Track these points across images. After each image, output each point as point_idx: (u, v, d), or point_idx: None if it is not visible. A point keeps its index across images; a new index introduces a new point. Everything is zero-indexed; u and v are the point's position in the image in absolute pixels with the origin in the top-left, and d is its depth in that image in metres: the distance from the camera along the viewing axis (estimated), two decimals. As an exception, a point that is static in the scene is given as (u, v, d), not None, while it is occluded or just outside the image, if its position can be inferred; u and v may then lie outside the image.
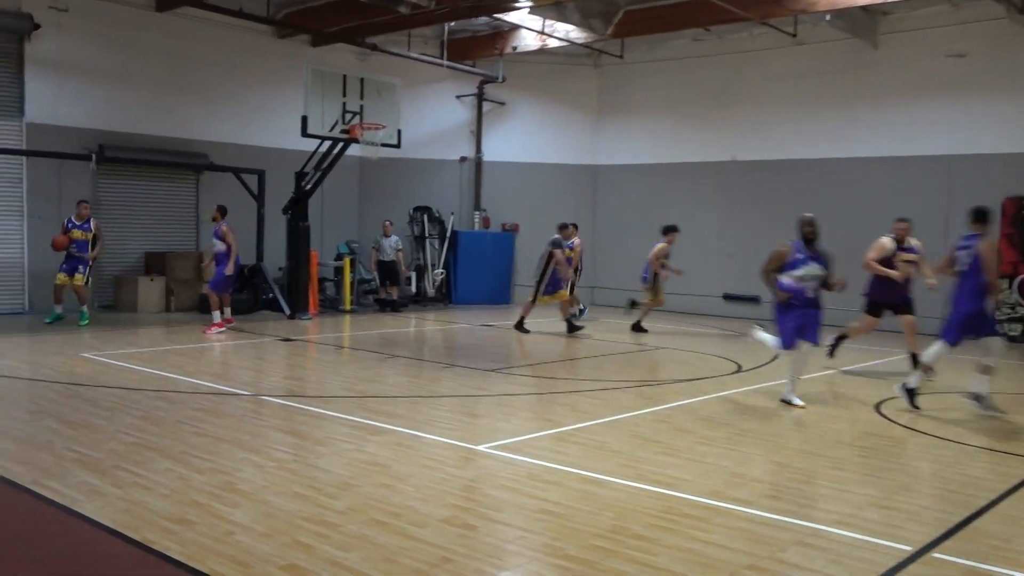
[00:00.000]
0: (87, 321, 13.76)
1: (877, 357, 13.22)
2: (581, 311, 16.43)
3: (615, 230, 20.99)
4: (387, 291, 18.13)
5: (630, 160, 20.82)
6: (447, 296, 20.32)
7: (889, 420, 8.40)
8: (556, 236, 14.84)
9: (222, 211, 13.73)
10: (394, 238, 18.10)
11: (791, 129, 18.29)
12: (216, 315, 13.47)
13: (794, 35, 17.57)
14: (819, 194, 17.83)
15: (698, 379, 10.62)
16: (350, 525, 4.93)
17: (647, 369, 11.57)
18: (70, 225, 13.87)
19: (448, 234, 20.41)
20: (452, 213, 20.62)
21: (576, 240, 15.77)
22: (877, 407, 9.04)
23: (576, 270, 15.71)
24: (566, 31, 18.41)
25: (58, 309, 13.88)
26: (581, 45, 19.22)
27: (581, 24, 17.91)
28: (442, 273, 20.14)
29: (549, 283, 14.70)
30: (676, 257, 18.23)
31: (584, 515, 5.25)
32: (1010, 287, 15.74)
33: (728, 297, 19.08)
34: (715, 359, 12.40)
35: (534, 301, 14.88)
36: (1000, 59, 15.78)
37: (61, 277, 13.86)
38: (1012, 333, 15.70)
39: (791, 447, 7.19)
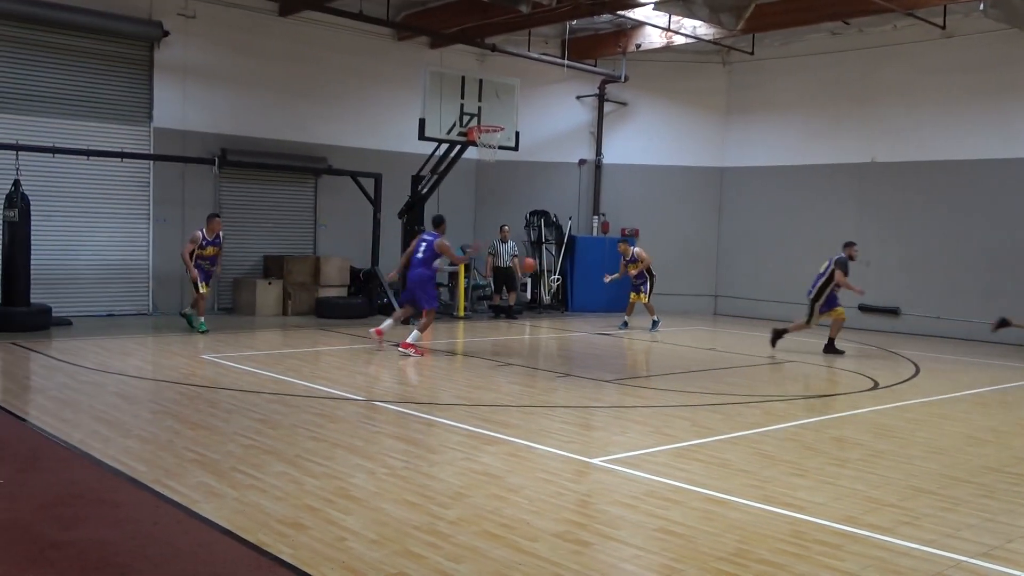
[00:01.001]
0: (205, 328, 13.88)
1: (1033, 377, 12.52)
2: (655, 323, 16.66)
3: (742, 236, 20.58)
4: (503, 297, 18.31)
5: (760, 162, 20.37)
6: (563, 303, 20.35)
7: (1046, 446, 7.95)
8: (841, 255, 13.98)
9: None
10: (511, 243, 18.27)
11: (938, 128, 17.53)
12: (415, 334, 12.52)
13: (943, 27, 16.83)
14: (968, 198, 17.06)
15: (830, 395, 10.30)
16: (461, 536, 5.00)
17: (775, 384, 11.28)
18: (205, 243, 13.69)
19: (565, 239, 20.44)
20: (570, 218, 20.64)
21: (638, 249, 16.78)
22: (1032, 431, 8.56)
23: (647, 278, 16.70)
24: (693, 27, 18.18)
25: (203, 319, 13.88)
26: (709, 42, 18.92)
27: (709, 19, 17.60)
28: (558, 279, 20.19)
29: (826, 301, 13.88)
30: (805, 264, 17.67)
31: (706, 536, 5.17)
32: None
33: (865, 309, 18.41)
34: (849, 375, 11.99)
35: (808, 321, 14.02)
36: None
37: (205, 287, 13.85)
38: None
39: (932, 471, 6.88)
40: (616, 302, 20.23)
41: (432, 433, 7.64)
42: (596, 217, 21.14)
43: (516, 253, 18.22)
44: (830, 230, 18.94)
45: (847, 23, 18.23)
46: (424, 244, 12.62)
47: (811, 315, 13.87)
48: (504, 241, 18.20)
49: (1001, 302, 16.59)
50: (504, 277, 18.21)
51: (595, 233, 21.00)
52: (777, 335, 14.07)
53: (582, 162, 21.24)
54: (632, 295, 17.03)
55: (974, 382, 11.64)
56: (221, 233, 13.97)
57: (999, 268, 16.64)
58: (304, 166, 17.80)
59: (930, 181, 17.59)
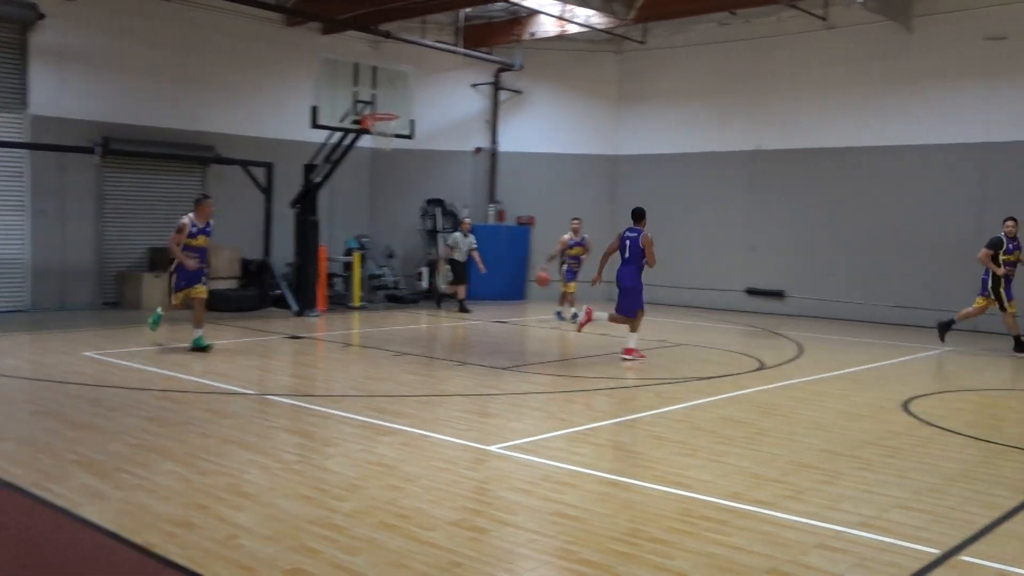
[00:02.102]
0: (206, 344, 11.48)
1: (909, 352, 13.15)
2: (569, 313, 16.24)
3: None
4: (442, 290, 18.28)
5: (652, 150, 20.78)
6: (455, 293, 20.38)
7: (918, 419, 8.37)
8: (999, 234, 13.25)
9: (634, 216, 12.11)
10: (472, 237, 17.98)
11: (821, 117, 18.20)
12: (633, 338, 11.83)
13: (824, 19, 17.47)
14: (849, 184, 17.78)
15: (718, 377, 10.61)
16: (357, 528, 4.97)
17: (665, 367, 11.56)
18: (196, 231, 11.40)
19: (462, 228, 20.46)
20: (466, 206, 20.66)
21: (587, 235, 16.21)
22: (905, 405, 9.00)
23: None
24: (586, 16, 18.40)
25: (200, 332, 11.45)
26: (602, 31, 19.18)
27: (602, 8, 17.89)
28: (455, 268, 20.19)
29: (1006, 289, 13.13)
30: (696, 249, 18.37)
31: (600, 518, 5.27)
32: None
33: (752, 292, 19.04)
34: (737, 356, 12.38)
35: (1003, 308, 13.19)
36: (1040, 42, 15.63)
37: (203, 289, 11.59)
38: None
39: (814, 447, 7.17)
40: (514, 290, 20.38)
41: (327, 426, 7.56)
42: (492, 205, 21.21)
43: (475, 247, 17.88)
44: (720, 216, 19.53)
45: (734, 13, 18.74)
46: (629, 242, 11.69)
47: (1002, 302, 13.12)
48: (466, 235, 17.92)
49: (880, 284, 17.40)
50: (461, 271, 17.87)
51: (491, 221, 21.06)
52: (944, 327, 13.86)
53: (478, 150, 21.27)
54: (565, 284, 16.29)
55: (852, 361, 12.17)
56: (212, 220, 11.80)
57: (878, 251, 17.41)
58: (191, 155, 17.31)
59: (813, 168, 18.26)
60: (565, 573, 4.48)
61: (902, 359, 12.64)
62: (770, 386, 10.09)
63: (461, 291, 17.87)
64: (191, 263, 11.27)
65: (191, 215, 11.46)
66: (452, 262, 17.78)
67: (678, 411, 8.51)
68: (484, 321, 16.40)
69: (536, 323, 16.31)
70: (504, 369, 10.79)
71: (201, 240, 11.48)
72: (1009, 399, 9.97)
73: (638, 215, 11.97)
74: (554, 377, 10.45)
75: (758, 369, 11.31)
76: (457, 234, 17.74)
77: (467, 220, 18.14)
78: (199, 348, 11.29)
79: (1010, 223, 13.24)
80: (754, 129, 19.14)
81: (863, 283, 17.63)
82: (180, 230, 11.30)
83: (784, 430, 7.82)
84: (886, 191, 17.27)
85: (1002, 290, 13.03)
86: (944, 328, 13.84)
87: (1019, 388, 10.86)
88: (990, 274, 13.13)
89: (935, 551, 4.84)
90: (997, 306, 13.17)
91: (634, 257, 11.64)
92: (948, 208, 16.61)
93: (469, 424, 7.80)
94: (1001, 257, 13.04)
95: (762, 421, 8.15)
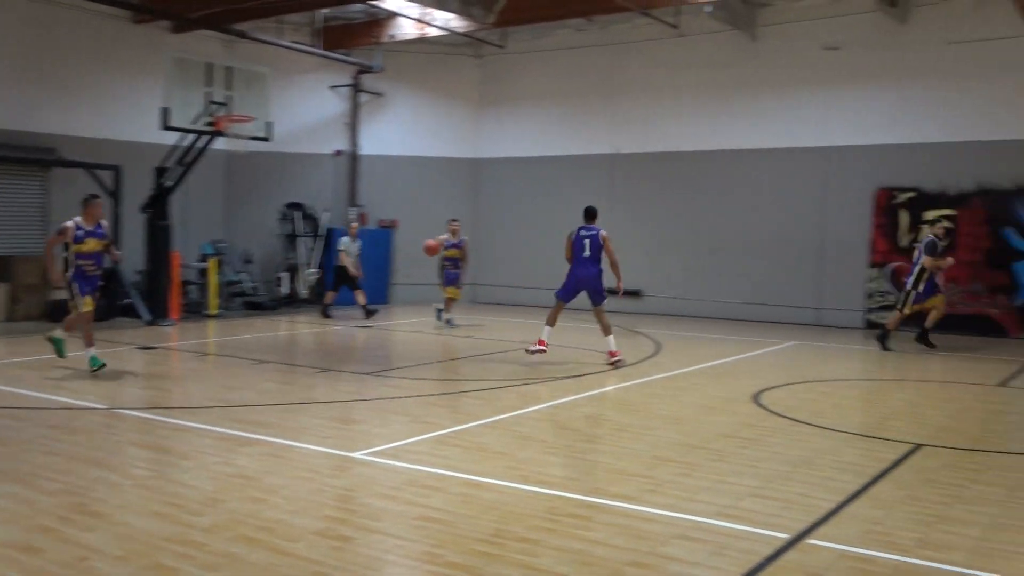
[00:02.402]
0: (100, 364, 10.27)
1: (759, 347, 13.75)
2: (445, 318, 16.11)
3: (498, 226, 21.13)
4: (328, 300, 17.66)
5: (513, 153, 21.01)
6: (321, 297, 20.03)
7: (768, 410, 8.76)
8: (928, 238, 13.59)
9: (586, 215, 12.20)
10: (359, 242, 17.56)
11: (675, 121, 18.83)
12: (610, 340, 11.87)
13: (676, 27, 18.07)
14: (703, 186, 18.46)
15: (580, 376, 10.81)
16: (216, 543, 4.81)
17: (529, 367, 11.71)
18: (81, 234, 10.15)
19: (322, 232, 20.11)
20: (327, 210, 20.33)
21: (465, 237, 16.06)
22: (756, 397, 9.41)
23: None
24: (445, 19, 18.42)
25: (93, 351, 10.29)
26: (461, 34, 19.26)
27: (461, 12, 17.95)
28: (316, 273, 19.84)
29: (925, 290, 13.51)
30: (558, 251, 18.39)
31: (466, 520, 5.28)
32: (882, 275, 16.63)
33: (611, 292, 19.47)
34: (597, 355, 12.65)
35: (902, 309, 13.73)
36: (872, 52, 16.65)
37: (89, 302, 10.27)
38: (883, 321, 16.60)
39: (671, 441, 7.40)
40: (375, 294, 20.17)
41: (183, 439, 7.29)
42: (353, 209, 20.94)
43: (360, 251, 17.54)
44: (580, 217, 19.88)
45: (590, 20, 19.16)
46: (589, 240, 11.77)
47: (905, 303, 13.65)
48: (354, 239, 17.44)
49: (732, 282, 18.13)
50: (347, 276, 17.37)
51: (353, 225, 20.81)
52: (884, 336, 13.91)
53: (338, 153, 20.97)
54: (444, 288, 16.08)
55: (707, 356, 12.65)
56: (104, 222, 10.58)
57: (730, 250, 18.15)
58: (29, 157, 16.34)
59: (668, 171, 18.87)
60: (431, 577, 4.47)
61: (753, 353, 13.20)
62: (630, 383, 10.35)
63: (329, 296, 17.55)
64: (56, 274, 10.29)
65: (77, 219, 10.19)
66: (341, 268, 17.33)
67: (542, 410, 8.62)
68: (347, 326, 16.18)
69: (404, 327, 16.20)
70: (368, 374, 10.68)
71: (91, 244, 10.21)
72: (851, 389, 10.56)
73: (593, 214, 12.07)
74: (419, 381, 10.41)
75: (618, 367, 11.58)
76: (346, 239, 17.40)
77: (355, 224, 17.78)
78: (97, 368, 10.12)
79: (942, 225, 13.83)
80: (612, 133, 19.63)
81: (716, 281, 18.34)
82: (61, 232, 10.14)
83: (643, 425, 8.04)
84: (737, 193, 18.02)
85: (915, 291, 13.37)
86: (922, 338, 13.87)
87: (860, 379, 11.52)
88: (917, 275, 13.39)
89: (785, 536, 5.07)
90: (902, 301, 13.60)
91: (595, 255, 11.79)
92: (793, 209, 17.48)
93: (332, 431, 7.67)
94: (937, 263, 13.36)
95: (622, 417, 8.36)
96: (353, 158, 21.04)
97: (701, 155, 18.50)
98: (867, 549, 4.92)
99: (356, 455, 6.77)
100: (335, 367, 11.33)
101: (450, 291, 15.97)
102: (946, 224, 14.13)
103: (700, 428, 7.93)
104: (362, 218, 20.89)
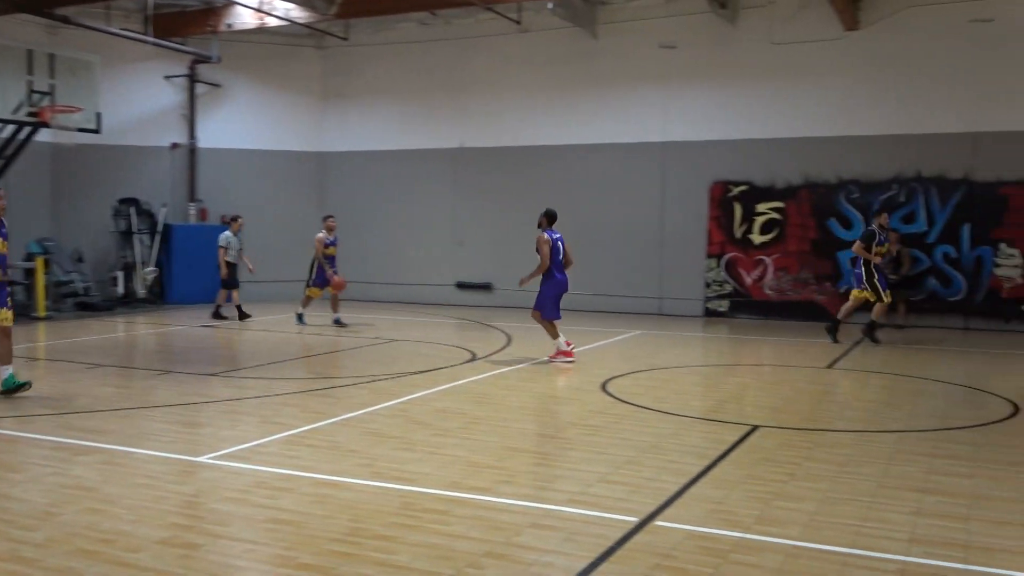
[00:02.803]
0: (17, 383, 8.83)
1: (606, 337, 14.12)
2: (299, 317, 15.74)
3: (346, 220, 20.77)
4: (229, 299, 16.65)
5: (360, 147, 20.74)
6: (160, 296, 19.24)
7: (615, 398, 9.02)
8: (869, 228, 13.63)
9: (549, 218, 11.78)
10: (239, 236, 16.78)
11: (520, 116, 19.05)
12: (560, 342, 11.47)
13: (519, 22, 18.29)
14: (548, 180, 18.73)
15: (433, 370, 10.81)
16: (51, 559, 4.55)
17: (381, 363, 11.62)
18: None
19: (160, 228, 19.28)
20: (164, 205, 19.50)
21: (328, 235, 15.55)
22: (604, 386, 9.67)
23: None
24: (286, 10, 17.97)
25: (9, 368, 8.83)
26: (303, 25, 18.83)
27: (302, 3, 17.56)
28: (154, 272, 19.01)
29: (880, 279, 13.39)
30: (407, 245, 18.58)
31: (319, 520, 5.20)
32: (718, 266, 17.40)
33: (461, 285, 19.60)
34: (449, 349, 12.69)
35: (880, 299, 13.41)
36: (705, 51, 17.36)
37: (6, 315, 9.03)
38: (720, 309, 17.40)
39: (524, 431, 7.52)
40: (217, 292, 19.55)
41: (12, 450, 6.85)
42: (193, 204, 20.18)
43: (242, 247, 16.73)
44: (428, 212, 19.89)
45: (435, 14, 19.12)
46: (561, 244, 11.62)
47: (878, 292, 13.34)
48: (235, 234, 16.65)
49: (580, 274, 18.49)
50: (234, 274, 16.53)
51: (192, 221, 20.05)
52: (834, 327, 13.84)
53: (175, 146, 20.12)
54: (314, 289, 15.57)
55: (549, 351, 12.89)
56: (4, 219, 9.18)
57: (577, 243, 18.41)
58: None
59: (514, 165, 19.08)
60: (285, 580, 4.38)
61: (599, 343, 13.55)
62: (482, 376, 10.43)
63: (236, 295, 16.64)
64: None
65: None
66: (229, 266, 16.46)
67: (394, 406, 8.57)
68: (189, 326, 15.58)
69: (251, 325, 15.73)
70: (213, 375, 10.33)
71: None
72: (692, 375, 11.00)
73: (556, 217, 11.93)
74: (267, 380, 10.14)
75: (470, 360, 11.66)
76: (227, 233, 16.63)
77: (239, 219, 16.96)
78: (14, 388, 8.69)
79: (884, 216, 13.87)
80: (457, 127, 19.67)
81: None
82: None
83: (496, 417, 8.13)
84: (580, 187, 18.40)
85: (876, 281, 13.31)
86: (833, 330, 13.84)
87: (700, 365, 12.01)
88: (863, 267, 13.38)
89: (634, 519, 5.24)
90: (874, 298, 13.41)
91: (564, 258, 11.72)
92: (634, 202, 18.03)
93: (176, 436, 7.38)
94: (874, 249, 13.29)
95: (476, 410, 8.42)
96: (191, 151, 20.25)
97: (545, 150, 18.81)
98: (711, 528, 5.15)
99: (202, 459, 6.54)
100: (178, 369, 10.90)
101: (323, 291, 15.49)
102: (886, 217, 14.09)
103: (551, 418, 8.09)
104: (202, 213, 20.17)
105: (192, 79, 20.05)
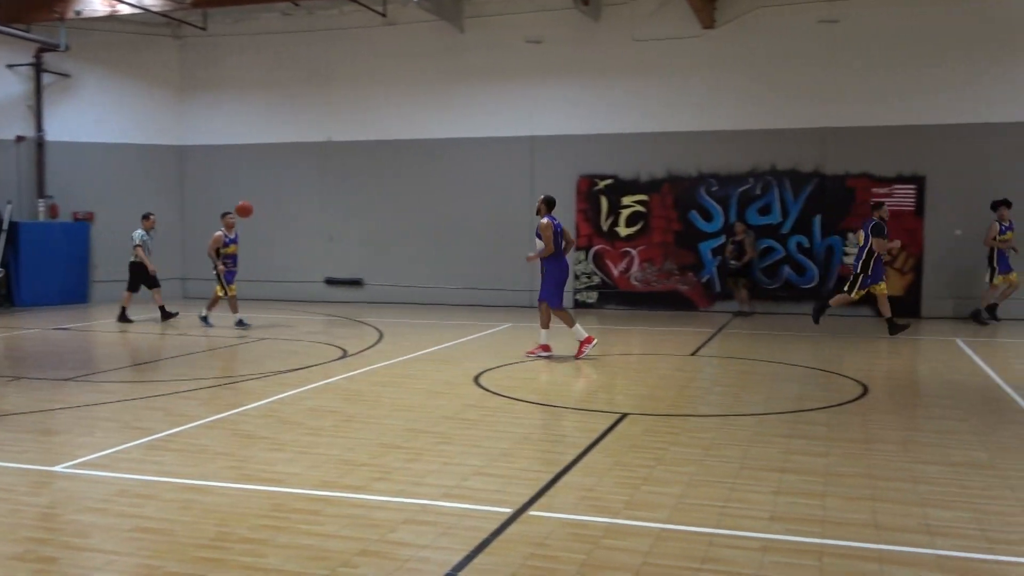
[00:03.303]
0: None
1: (478, 331, 14.18)
2: (203, 318, 15.16)
3: (209, 215, 20.13)
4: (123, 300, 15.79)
5: (222, 140, 20.12)
6: (7, 298, 18.19)
7: (488, 391, 9.08)
8: (872, 220, 13.27)
9: (548, 204, 11.52)
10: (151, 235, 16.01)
11: (388, 110, 18.87)
12: (578, 329, 11.34)
13: (384, 15, 18.11)
14: (418, 174, 18.68)
15: (303, 368, 10.62)
16: None
17: (250, 362, 11.33)
18: None
19: (5, 227, 18.21)
20: (9, 202, 18.41)
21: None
22: (477, 379, 9.72)
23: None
24: (138, -3, 17.27)
25: None
26: (157, 13, 18.12)
27: (155, -10, 16.91)
28: (0, 272, 17.95)
29: (872, 273, 13.25)
30: (275, 241, 18.12)
31: (185, 527, 5.03)
32: (587, 258, 17.73)
33: (331, 281, 19.31)
34: (320, 346, 12.49)
35: (851, 293, 13.41)
36: (570, 46, 17.63)
37: None
38: (589, 300, 17.75)
39: (398, 428, 7.47)
40: (74, 293, 18.68)
41: None
42: (42, 200, 19.13)
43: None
44: (296, 207, 19.49)
45: (297, 4, 18.72)
46: (561, 229, 11.46)
47: (854, 287, 13.33)
48: (148, 231, 15.86)
49: (450, 268, 18.54)
50: (146, 273, 15.69)
51: (42, 218, 19.02)
52: (820, 310, 13.74)
53: (20, 139, 19.03)
54: (222, 288, 14.79)
55: (430, 342, 12.88)
56: None
57: (447, 237, 18.54)
58: None
59: (382, 159, 18.91)
60: (151, 590, 4.23)
61: (472, 336, 13.60)
62: (354, 372, 10.31)
63: (158, 295, 15.86)
64: None
65: None
66: (137, 265, 15.69)
67: (264, 406, 8.38)
68: (41, 329, 14.78)
69: (109, 327, 15.04)
70: (68, 380, 9.84)
71: None
72: (562, 365, 11.16)
73: (554, 202, 11.79)
74: (128, 384, 9.74)
75: (341, 357, 11.51)
76: (140, 231, 15.86)
77: (152, 217, 16.14)
78: None
79: (885, 208, 13.73)
80: (324, 120, 19.35)
81: (435, 268, 18.68)
82: None
83: (370, 414, 8.05)
84: (450, 180, 18.42)
85: (863, 275, 13.24)
86: (897, 327, 13.45)
87: (570, 355, 12.20)
88: (867, 258, 13.22)
89: (508, 510, 5.29)
90: (851, 285, 13.42)
91: (565, 242, 11.61)
92: (504, 196, 18.16)
93: (28, 445, 7.00)
94: (887, 245, 13.24)
95: (348, 408, 8.32)
96: (39, 145, 19.19)
97: (415, 143, 18.71)
98: (582, 515, 5.25)
99: (58, 469, 6.23)
100: (30, 374, 10.32)
101: (232, 289, 14.82)
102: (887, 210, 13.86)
103: (425, 413, 8.06)
104: (53, 210, 19.16)
105: (38, 68, 19.01)
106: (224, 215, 15.04)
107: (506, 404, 8.51)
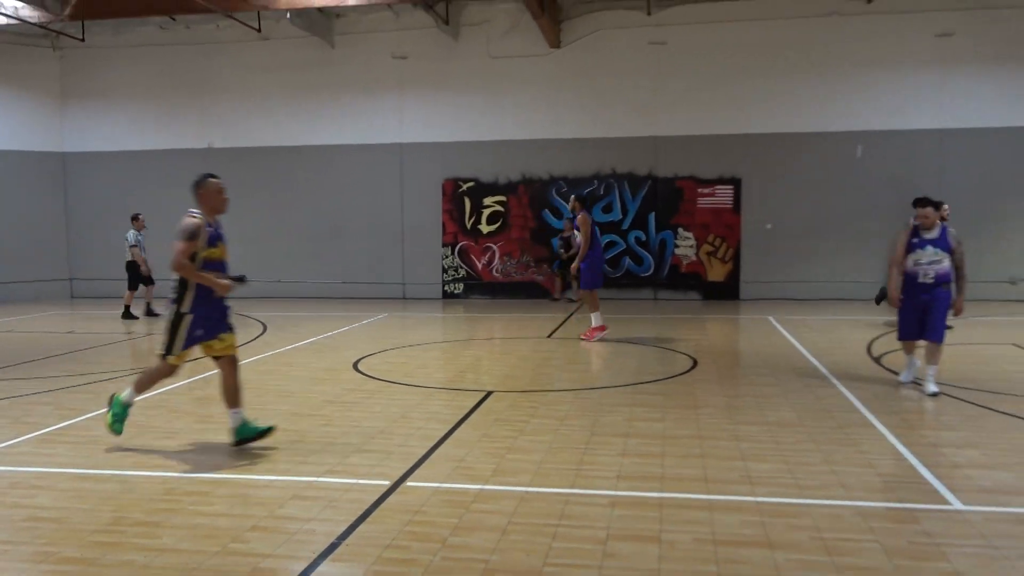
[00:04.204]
0: None
1: (356, 321, 14.01)
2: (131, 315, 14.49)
3: (94, 220, 19.14)
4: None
5: (105, 147, 19.08)
6: None
7: (366, 375, 9.01)
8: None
9: (582, 202, 11.38)
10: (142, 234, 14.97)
11: (266, 118, 18.35)
12: (596, 317, 11.60)
13: (259, 30, 17.58)
14: (296, 179, 18.26)
15: (190, 360, 10.22)
16: None
17: (136, 357, 10.83)
18: None
19: None
20: None
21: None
22: (355, 365, 9.62)
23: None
24: (14, 8, 16.12)
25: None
26: (35, 24, 16.97)
27: (32, 2, 15.83)
28: None
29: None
30: (162, 244, 17.12)
31: (80, 514, 4.80)
32: (453, 253, 17.78)
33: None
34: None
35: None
36: (433, 62, 17.59)
37: None
38: (456, 291, 17.81)
39: (283, 412, 7.33)
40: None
41: None
42: (-80, 206, 17.69)
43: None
44: (179, 210, 18.63)
45: (174, 19, 17.94)
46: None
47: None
48: (139, 232, 14.83)
49: (329, 264, 18.22)
50: (140, 272, 14.71)
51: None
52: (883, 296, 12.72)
53: None
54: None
55: (311, 333, 12.64)
56: None
57: (324, 235, 18.21)
58: None
59: (262, 165, 18.38)
60: (45, 575, 4.02)
61: (350, 327, 13.43)
62: (240, 363, 9.98)
63: (129, 297, 14.84)
64: None
65: None
66: (134, 264, 14.79)
67: (154, 398, 8.03)
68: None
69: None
70: (-47, 380, 9.15)
71: None
72: (433, 351, 11.19)
73: (582, 202, 11.53)
74: (14, 381, 9.14)
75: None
76: (133, 232, 14.94)
77: (141, 217, 15.18)
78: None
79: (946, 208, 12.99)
80: (205, 128, 18.64)
81: (314, 264, 18.31)
82: None
83: (256, 401, 7.84)
84: (327, 184, 18.09)
85: None
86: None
87: (440, 341, 12.24)
88: None
89: (387, 482, 5.29)
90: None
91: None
92: (376, 198, 17.98)
93: (-85, 444, 6.49)
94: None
95: (234, 396, 8.08)
96: (-85, 151, 17.72)
97: (292, 149, 18.28)
98: (455, 483, 5.31)
99: (-53, 466, 5.81)
100: (-89, 376, 9.54)
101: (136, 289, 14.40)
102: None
103: (308, 398, 7.93)
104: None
105: (-87, 77, 17.53)
106: (134, 217, 14.49)
107: (383, 387, 8.47)
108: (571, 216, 16.54)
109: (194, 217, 6.20)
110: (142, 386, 6.37)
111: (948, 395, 7.67)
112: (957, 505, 4.84)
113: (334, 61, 17.94)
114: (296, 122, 18.22)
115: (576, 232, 11.64)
